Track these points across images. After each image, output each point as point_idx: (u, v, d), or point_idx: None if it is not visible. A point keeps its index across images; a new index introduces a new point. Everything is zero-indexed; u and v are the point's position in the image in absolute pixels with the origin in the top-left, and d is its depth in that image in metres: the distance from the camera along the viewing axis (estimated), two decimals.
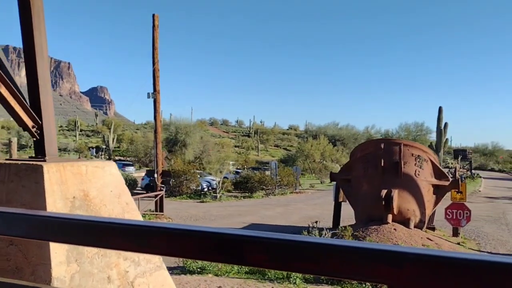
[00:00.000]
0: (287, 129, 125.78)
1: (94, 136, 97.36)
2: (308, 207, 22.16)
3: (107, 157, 62.19)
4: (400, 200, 10.76)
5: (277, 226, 15.46)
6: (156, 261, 4.57)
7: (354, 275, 0.85)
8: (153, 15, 15.98)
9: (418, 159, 11.38)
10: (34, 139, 4.06)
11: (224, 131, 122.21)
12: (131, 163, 48.97)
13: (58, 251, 3.50)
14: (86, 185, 4.01)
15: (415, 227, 10.91)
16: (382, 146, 11.46)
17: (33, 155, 4.18)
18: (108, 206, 4.17)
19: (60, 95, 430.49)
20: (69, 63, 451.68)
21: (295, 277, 6.87)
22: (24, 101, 3.87)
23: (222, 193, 27.44)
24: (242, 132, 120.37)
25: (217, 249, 0.97)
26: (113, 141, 62.32)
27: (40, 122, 4.00)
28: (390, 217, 10.62)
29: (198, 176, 29.83)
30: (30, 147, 61.17)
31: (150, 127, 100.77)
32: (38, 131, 4.02)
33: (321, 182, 42.40)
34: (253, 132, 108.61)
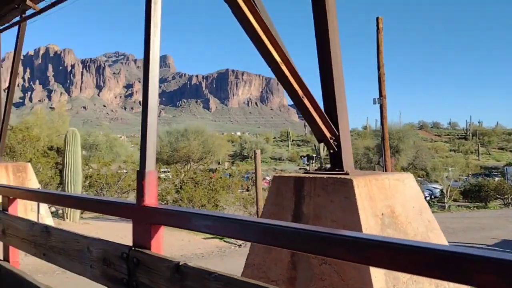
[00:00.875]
0: None
1: (304, 145, 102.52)
2: None
3: (319, 165, 64.39)
4: None
5: None
6: None
7: None
8: (377, 18, 15.52)
9: None
10: (331, 151, 3.89)
11: (435, 135, 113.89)
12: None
13: (377, 275, 3.17)
14: (391, 201, 3.62)
15: None
16: None
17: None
18: (413, 224, 3.70)
19: (271, 109, 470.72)
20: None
21: None
22: (323, 113, 3.73)
23: (451, 203, 24.89)
24: (457, 135, 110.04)
25: (441, 265, 0.95)
26: (323, 149, 64.19)
27: (338, 133, 3.81)
28: None
29: (419, 183, 27.87)
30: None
31: (356, 133, 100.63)
32: (336, 143, 3.83)
33: None
34: (470, 134, 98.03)
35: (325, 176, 3.57)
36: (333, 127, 3.78)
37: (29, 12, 8.06)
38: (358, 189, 3.37)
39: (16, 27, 8.71)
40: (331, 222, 3.44)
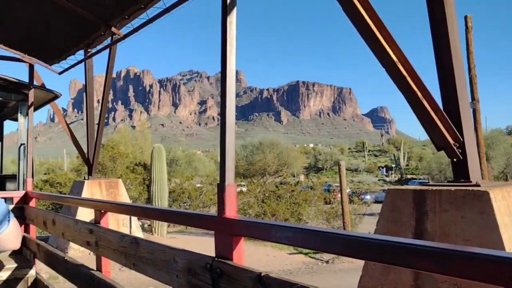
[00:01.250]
0: None
1: (381, 155, 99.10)
2: None
3: (399, 176, 61.60)
4: None
5: None
6: None
7: None
8: (465, 17, 14.58)
9: None
10: (455, 159, 3.42)
11: None
12: (426, 180, 46.94)
13: None
14: None
15: None
16: None
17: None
18: None
19: (344, 119, 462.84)
20: (350, 89, 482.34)
21: None
22: (445, 116, 3.30)
23: None
24: None
25: None
26: (403, 159, 61.47)
27: (462, 140, 3.35)
28: None
29: None
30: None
31: None
32: (460, 150, 3.36)
33: None
34: None
35: (452, 188, 3.12)
36: (456, 131, 3.33)
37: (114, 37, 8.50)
38: (496, 203, 2.89)
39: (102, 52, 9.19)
40: (463, 241, 2.98)
